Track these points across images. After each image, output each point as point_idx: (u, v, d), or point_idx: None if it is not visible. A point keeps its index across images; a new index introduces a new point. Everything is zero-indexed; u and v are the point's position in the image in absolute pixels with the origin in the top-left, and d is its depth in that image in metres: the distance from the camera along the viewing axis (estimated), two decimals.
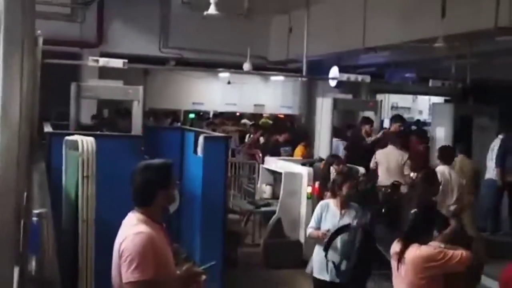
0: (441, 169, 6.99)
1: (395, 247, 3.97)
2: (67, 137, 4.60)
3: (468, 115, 10.62)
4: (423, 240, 3.87)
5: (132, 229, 2.90)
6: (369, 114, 9.87)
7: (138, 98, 7.18)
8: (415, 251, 3.81)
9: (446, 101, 16.10)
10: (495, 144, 9.19)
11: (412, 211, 4.10)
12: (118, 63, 7.73)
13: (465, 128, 10.74)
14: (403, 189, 8.10)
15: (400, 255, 3.88)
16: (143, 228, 2.89)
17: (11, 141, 1.63)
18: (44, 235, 2.49)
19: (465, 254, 3.77)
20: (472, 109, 10.89)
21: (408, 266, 3.82)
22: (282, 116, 19.63)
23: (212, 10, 6.56)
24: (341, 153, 9.27)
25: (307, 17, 9.06)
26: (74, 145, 4.29)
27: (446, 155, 7.35)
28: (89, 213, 4.04)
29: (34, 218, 2.45)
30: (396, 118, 10.40)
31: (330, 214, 5.27)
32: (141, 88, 7.20)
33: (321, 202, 5.52)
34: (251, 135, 13.21)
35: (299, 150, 9.85)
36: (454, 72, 10.83)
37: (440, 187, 6.53)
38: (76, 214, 4.14)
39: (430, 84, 10.77)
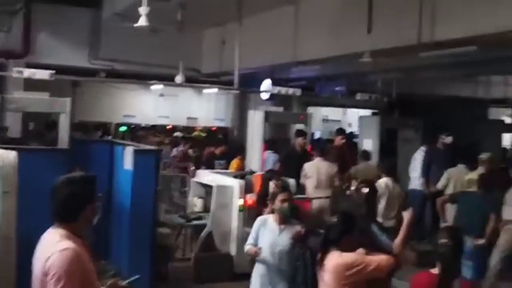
0: (385, 181, 7.17)
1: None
2: None
3: (393, 127, 10.99)
4: (345, 247, 3.94)
5: (57, 246, 2.80)
6: (300, 126, 10.03)
7: (65, 111, 6.95)
8: (336, 259, 3.89)
9: (373, 114, 16.59)
10: (418, 155, 9.53)
11: (333, 219, 4.21)
12: (44, 74, 7.49)
13: (391, 140, 11.13)
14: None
15: (321, 263, 3.95)
16: (68, 244, 2.80)
17: None
18: None
19: (385, 260, 3.87)
20: (398, 122, 11.29)
21: (330, 274, 3.89)
22: (215, 128, 19.62)
23: (142, 22, 6.48)
24: (272, 165, 9.31)
25: (239, 30, 9.12)
26: None
27: (389, 168, 7.55)
28: (9, 230, 3.87)
29: None
30: (338, 131, 10.39)
31: (268, 230, 5.02)
32: (68, 100, 6.99)
33: (260, 218, 5.29)
34: (179, 148, 13.07)
35: (235, 163, 9.83)
36: (381, 86, 11.20)
37: (385, 198, 6.73)
38: None
39: (358, 97, 11.08)
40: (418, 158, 9.61)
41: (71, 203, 2.89)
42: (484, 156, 8.41)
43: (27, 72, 7.72)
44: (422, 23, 7.97)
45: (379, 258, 3.88)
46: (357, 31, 8.24)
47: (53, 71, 7.66)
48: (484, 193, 7.04)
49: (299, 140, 9.46)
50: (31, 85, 11.59)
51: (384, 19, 8.18)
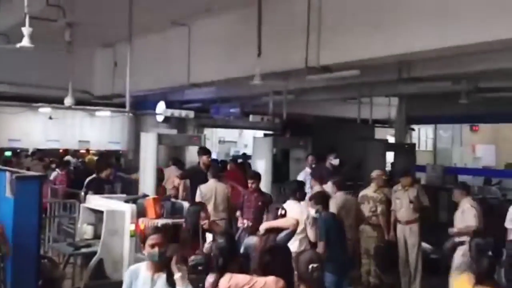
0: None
1: (209, 278, 4.05)
2: None
3: (286, 148, 11.30)
4: (233, 269, 3.98)
5: None
6: (194, 148, 10.00)
7: None
8: (226, 281, 3.91)
9: (266, 135, 16.99)
10: (301, 176, 9.80)
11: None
12: None
13: (285, 160, 11.43)
14: None
15: (214, 286, 3.96)
16: None
17: None
18: None
19: (269, 282, 3.91)
20: (289, 142, 11.62)
21: None
22: (106, 152, 19.07)
23: (25, 42, 6.21)
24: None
25: (130, 51, 9.00)
26: None
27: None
28: None
29: None
30: (202, 151, 9.64)
31: (140, 282, 4.33)
32: None
33: (130, 268, 4.58)
34: (59, 172, 12.50)
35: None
36: (272, 107, 11.50)
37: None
38: None
39: (250, 119, 11.28)
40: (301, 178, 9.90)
41: None
42: (374, 173, 9.06)
43: None
44: (308, 48, 8.32)
45: (263, 280, 3.92)
46: (248, 54, 8.42)
47: None
48: None
49: (204, 158, 9.26)
50: None
51: (273, 43, 8.43)
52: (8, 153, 17.08)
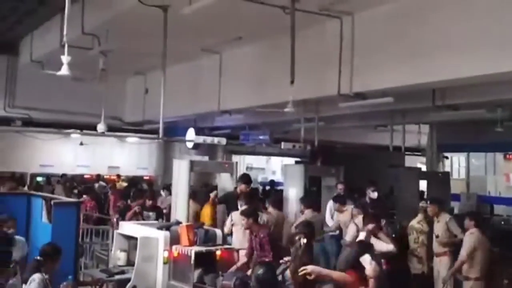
0: None
1: None
2: None
3: (317, 175, 11.21)
4: None
5: None
6: (226, 175, 9.99)
7: None
8: None
9: (297, 162, 16.89)
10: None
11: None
12: None
13: (316, 187, 11.33)
14: None
15: None
16: None
17: None
18: None
19: None
20: (320, 170, 11.52)
21: None
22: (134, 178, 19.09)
23: (64, 71, 6.30)
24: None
25: (163, 78, 9.10)
26: None
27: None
28: None
29: None
30: (243, 179, 9.48)
31: None
32: None
33: None
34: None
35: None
36: (303, 134, 11.46)
37: None
38: None
39: (282, 146, 11.25)
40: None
41: None
42: (423, 204, 9.07)
43: None
44: (341, 75, 8.32)
45: None
46: (279, 82, 8.45)
47: None
48: None
49: (242, 186, 8.99)
50: None
51: (305, 70, 8.44)
52: (39, 179, 17.29)
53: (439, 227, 8.33)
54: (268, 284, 4.06)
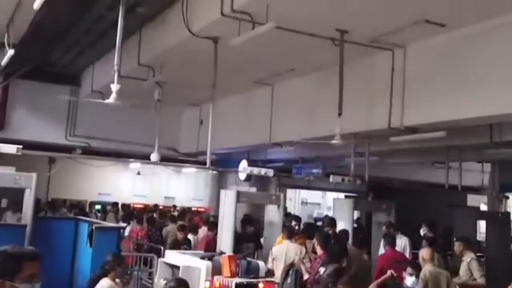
0: None
1: None
2: None
3: (367, 210, 10.96)
4: None
5: None
6: (273, 208, 9.91)
7: (30, 186, 6.83)
8: None
9: (346, 197, 16.59)
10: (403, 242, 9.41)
11: None
12: (11, 148, 7.39)
13: (366, 223, 11.05)
14: None
15: None
16: None
17: None
18: None
19: None
20: (370, 205, 11.27)
21: None
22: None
23: (112, 99, 6.50)
24: None
25: (212, 110, 9.23)
26: None
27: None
28: None
29: None
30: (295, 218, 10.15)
31: None
32: (34, 175, 6.87)
33: None
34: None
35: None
36: (354, 169, 11.26)
37: None
38: None
39: (330, 179, 11.09)
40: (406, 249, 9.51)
41: None
42: None
43: None
44: (392, 107, 8.16)
45: None
46: (329, 114, 8.37)
47: (20, 146, 7.54)
48: None
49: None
50: (4, 161, 11.51)
51: (355, 102, 8.35)
52: (98, 207, 17.77)
53: (462, 267, 7.88)
54: None
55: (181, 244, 9.32)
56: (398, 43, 8.09)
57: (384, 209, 10.58)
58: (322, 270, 4.34)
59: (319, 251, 7.34)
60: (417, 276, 6.08)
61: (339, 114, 7.71)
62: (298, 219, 10.49)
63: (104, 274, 5.59)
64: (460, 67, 7.36)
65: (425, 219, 10.13)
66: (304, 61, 9.53)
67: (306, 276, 7.21)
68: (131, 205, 18.02)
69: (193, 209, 19.11)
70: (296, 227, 9.55)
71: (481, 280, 7.57)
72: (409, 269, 5.92)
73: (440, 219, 11.53)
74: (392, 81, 8.22)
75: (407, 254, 9.10)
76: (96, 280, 5.57)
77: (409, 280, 5.72)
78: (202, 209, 19.29)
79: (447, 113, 7.61)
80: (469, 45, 7.24)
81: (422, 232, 10.15)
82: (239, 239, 9.24)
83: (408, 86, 8.07)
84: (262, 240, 10.04)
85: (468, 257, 7.85)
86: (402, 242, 9.49)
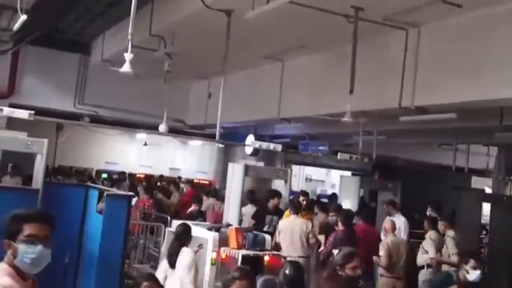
0: None
1: None
2: None
3: (373, 189, 11.02)
4: None
5: None
6: (280, 182, 9.99)
7: (41, 152, 6.85)
8: None
9: (353, 175, 16.64)
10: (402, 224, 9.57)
11: None
12: (23, 113, 7.41)
13: (371, 201, 11.12)
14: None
15: None
16: (5, 281, 2.64)
17: None
18: None
19: None
20: (377, 184, 11.31)
21: None
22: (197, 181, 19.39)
23: (126, 67, 6.49)
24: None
25: (223, 84, 9.24)
26: None
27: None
28: None
29: None
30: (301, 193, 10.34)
31: None
32: (45, 141, 6.89)
33: None
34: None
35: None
36: (362, 147, 11.28)
37: None
38: None
39: (338, 157, 11.13)
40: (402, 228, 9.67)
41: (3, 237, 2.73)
42: None
43: (6, 111, 7.63)
44: (403, 87, 8.14)
45: None
46: (339, 92, 8.37)
47: (33, 112, 7.58)
48: None
49: (274, 200, 9.39)
50: (12, 126, 11.58)
51: (366, 81, 8.33)
52: (104, 175, 17.88)
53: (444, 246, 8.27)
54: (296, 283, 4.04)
55: (196, 217, 9.40)
56: (412, 22, 8.03)
57: (390, 188, 10.64)
58: (335, 252, 4.38)
59: (341, 227, 7.62)
60: (480, 270, 5.61)
61: (351, 92, 7.70)
62: (305, 194, 10.57)
63: (181, 245, 5.94)
64: (474, 49, 7.32)
65: (430, 200, 10.17)
66: (316, 37, 9.47)
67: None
68: (136, 175, 18.13)
69: (195, 181, 19.22)
70: (304, 202, 9.62)
71: (453, 258, 7.79)
72: (472, 262, 5.42)
73: (445, 201, 11.55)
74: (405, 61, 8.19)
75: (402, 234, 9.40)
76: (176, 251, 5.88)
77: (472, 274, 5.42)
78: (205, 182, 19.38)
79: (459, 94, 7.59)
80: (484, 27, 7.19)
81: (428, 213, 10.20)
82: (263, 212, 9.33)
83: (420, 66, 8.04)
84: None
85: (446, 236, 8.24)
86: (399, 222, 9.59)
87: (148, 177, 18.08)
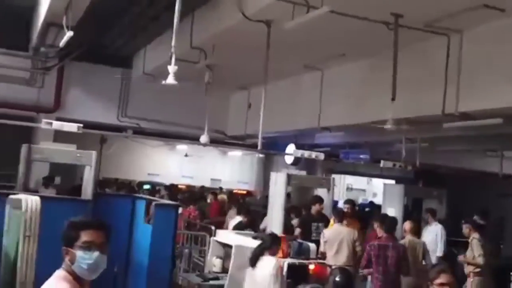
0: None
1: None
2: (11, 196, 4.49)
3: (418, 197, 10.88)
4: None
5: (51, 286, 2.74)
6: (322, 191, 9.97)
7: (90, 164, 7.07)
8: None
9: (397, 183, 16.47)
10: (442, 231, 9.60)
11: None
12: (72, 127, 7.66)
13: (415, 209, 10.97)
14: None
15: None
16: (63, 286, 2.72)
17: None
18: None
19: None
20: (422, 192, 11.17)
21: None
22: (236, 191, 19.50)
23: (170, 80, 6.64)
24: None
25: (264, 94, 9.31)
26: (18, 204, 4.18)
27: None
28: (28, 274, 3.87)
29: None
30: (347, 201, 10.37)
31: None
32: (94, 153, 7.11)
33: None
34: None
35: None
36: (405, 155, 11.18)
37: None
38: (15, 275, 3.97)
39: (381, 164, 11.04)
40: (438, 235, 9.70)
41: (62, 245, 2.82)
42: None
43: (56, 125, 7.91)
44: (446, 93, 8.06)
45: None
46: (380, 100, 8.34)
47: (81, 125, 7.82)
48: None
49: (316, 206, 9.39)
50: (59, 139, 11.93)
51: (408, 88, 8.28)
52: (146, 186, 18.15)
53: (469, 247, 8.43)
54: None
55: (245, 227, 9.44)
56: (454, 28, 7.96)
57: (435, 196, 10.49)
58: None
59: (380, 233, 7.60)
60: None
61: (393, 99, 7.67)
62: (350, 202, 10.54)
63: (262, 252, 6.16)
64: None
65: (478, 208, 10.06)
66: (356, 46, 9.48)
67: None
68: (178, 186, 18.35)
69: (234, 191, 19.31)
70: (347, 210, 9.59)
71: (479, 259, 8.14)
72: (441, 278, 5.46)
73: (492, 208, 11.36)
74: (447, 67, 8.10)
75: (440, 241, 9.81)
76: (256, 257, 6.16)
77: None
78: (243, 192, 19.41)
79: (503, 99, 7.46)
80: None
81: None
82: (308, 219, 9.36)
83: (463, 72, 7.94)
84: None
85: (472, 238, 8.40)
86: (436, 229, 9.90)
87: (188, 189, 18.29)
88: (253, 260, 6.18)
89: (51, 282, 2.80)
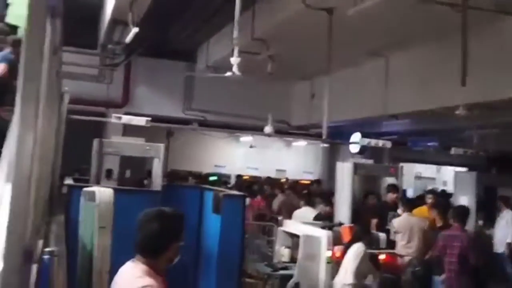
0: None
1: None
2: (86, 188, 4.66)
3: (491, 185, 10.47)
4: None
5: (138, 282, 2.66)
6: (391, 180, 9.77)
7: (159, 156, 7.26)
8: None
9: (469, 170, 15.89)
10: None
11: None
12: (141, 121, 7.88)
13: (489, 198, 10.56)
14: None
15: None
16: (150, 282, 2.66)
17: (21, 193, 1.63)
18: (55, 273, 2.46)
19: None
20: (496, 179, 10.72)
21: None
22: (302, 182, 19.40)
23: (234, 71, 6.70)
24: None
25: (328, 83, 9.21)
26: (92, 196, 4.33)
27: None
28: (103, 264, 4.01)
29: (46, 256, 2.43)
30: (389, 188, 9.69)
31: None
32: (162, 146, 7.29)
33: None
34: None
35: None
36: (477, 141, 10.78)
37: None
38: (91, 265, 4.12)
39: (452, 151, 10.68)
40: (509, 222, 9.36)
41: (158, 238, 2.75)
42: None
43: (125, 119, 8.16)
44: None
45: None
46: (448, 85, 8.06)
47: (149, 118, 8.03)
48: None
49: (390, 195, 9.18)
50: (128, 132, 12.27)
51: (479, 72, 7.95)
52: (213, 178, 18.39)
53: None
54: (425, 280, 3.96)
55: (324, 218, 9.37)
56: None
57: (510, 183, 10.06)
58: None
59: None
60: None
61: (463, 84, 7.38)
62: (432, 192, 10.56)
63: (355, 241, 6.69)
64: None
65: None
66: (421, 30, 9.20)
67: None
68: (243, 177, 18.49)
69: (300, 181, 19.23)
70: (431, 201, 9.24)
71: None
72: None
73: None
74: None
75: (509, 228, 9.58)
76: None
77: None
78: (307, 182, 19.24)
79: None
80: None
81: None
82: (384, 208, 9.23)
83: None
84: None
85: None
86: (508, 216, 9.69)
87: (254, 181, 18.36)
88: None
89: (134, 275, 2.71)
